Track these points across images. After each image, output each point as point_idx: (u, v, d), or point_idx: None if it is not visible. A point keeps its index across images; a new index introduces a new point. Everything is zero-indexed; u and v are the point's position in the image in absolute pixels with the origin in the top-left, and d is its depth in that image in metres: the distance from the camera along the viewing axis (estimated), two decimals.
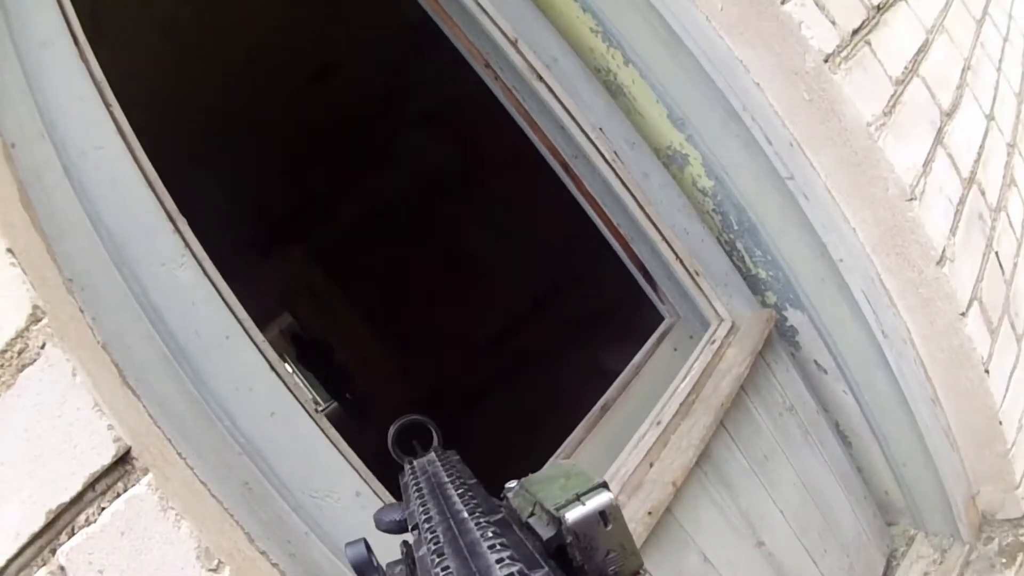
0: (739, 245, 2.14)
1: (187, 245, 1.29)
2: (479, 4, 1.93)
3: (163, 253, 1.26)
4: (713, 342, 2.06)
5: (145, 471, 0.98)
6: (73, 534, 0.94)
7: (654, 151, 2.12)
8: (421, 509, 0.60)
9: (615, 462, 1.79)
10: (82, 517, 0.95)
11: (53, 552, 0.93)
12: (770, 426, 2.01)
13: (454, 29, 2.03)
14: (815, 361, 2.19)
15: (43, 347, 0.94)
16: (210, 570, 0.98)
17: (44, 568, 0.92)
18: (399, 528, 0.72)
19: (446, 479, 0.66)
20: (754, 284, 2.17)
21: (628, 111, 2.09)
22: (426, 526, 0.55)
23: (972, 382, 1.96)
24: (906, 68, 2.01)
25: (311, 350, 8.17)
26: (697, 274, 2.13)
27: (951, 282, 1.88)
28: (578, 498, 0.49)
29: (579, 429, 1.95)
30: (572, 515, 0.48)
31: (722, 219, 2.12)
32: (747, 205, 2.07)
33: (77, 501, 0.94)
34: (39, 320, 0.95)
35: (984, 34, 2.62)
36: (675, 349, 2.18)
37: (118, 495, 0.96)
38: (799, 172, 1.90)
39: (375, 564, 0.71)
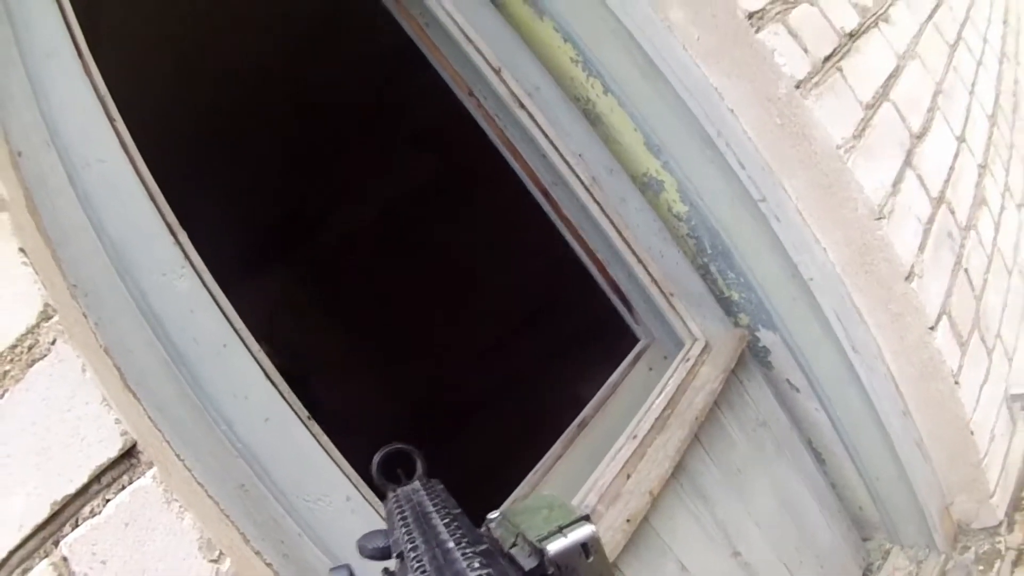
0: (712, 268, 2.20)
1: (187, 257, 1.32)
2: (464, 33, 1.99)
3: (164, 263, 1.29)
4: (687, 360, 2.10)
5: (150, 464, 1.00)
6: (77, 525, 0.95)
7: (631, 177, 2.17)
8: (407, 538, 0.61)
9: (593, 474, 1.82)
10: (87, 509, 0.96)
11: (56, 543, 0.94)
12: (743, 440, 2.06)
13: (439, 57, 2.09)
14: (788, 380, 2.24)
15: (53, 343, 0.97)
16: (211, 560, 1.00)
17: (46, 559, 0.93)
18: (383, 555, 0.73)
19: (431, 508, 0.67)
20: (727, 306, 2.22)
21: (607, 138, 2.15)
22: (412, 555, 0.56)
23: (942, 394, 2.01)
24: (877, 93, 2.08)
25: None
26: (672, 296, 2.17)
27: (920, 297, 1.95)
28: (560, 530, 0.51)
29: (557, 445, 1.97)
30: (554, 547, 0.50)
31: (696, 243, 2.18)
32: (721, 229, 2.13)
33: (82, 493, 0.96)
34: (50, 318, 0.98)
35: (957, 58, 2.71)
36: (650, 369, 2.22)
37: (123, 487, 0.98)
38: (771, 195, 1.96)
39: None
